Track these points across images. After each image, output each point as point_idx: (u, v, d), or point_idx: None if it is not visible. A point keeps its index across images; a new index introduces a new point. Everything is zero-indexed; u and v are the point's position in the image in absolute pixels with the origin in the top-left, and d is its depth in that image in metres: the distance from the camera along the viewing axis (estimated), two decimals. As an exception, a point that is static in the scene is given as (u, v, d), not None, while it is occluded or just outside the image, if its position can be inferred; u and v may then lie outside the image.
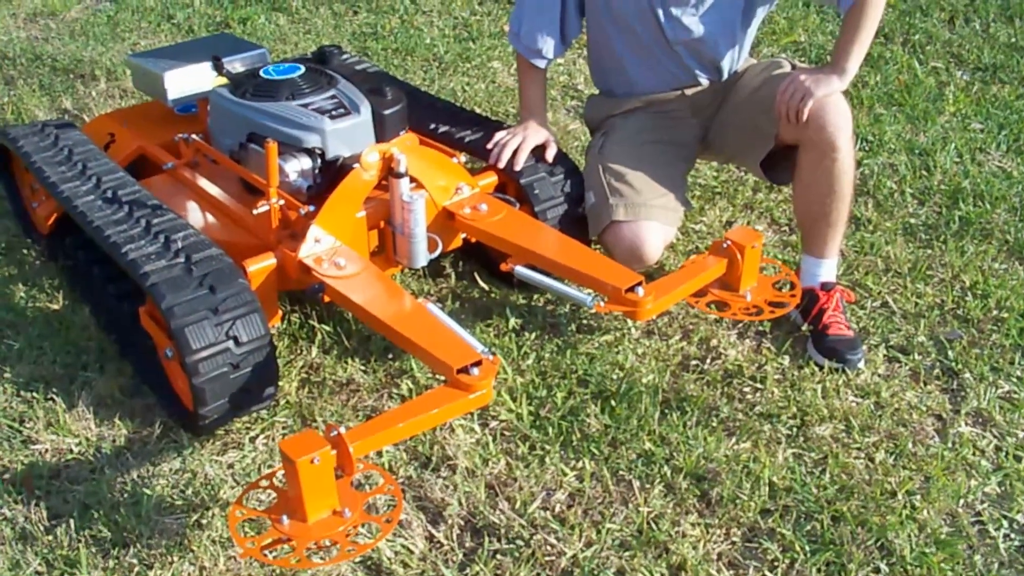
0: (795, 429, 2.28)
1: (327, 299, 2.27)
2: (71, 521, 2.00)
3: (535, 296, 2.71)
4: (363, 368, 2.45)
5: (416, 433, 2.17)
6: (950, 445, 2.24)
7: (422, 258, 2.40)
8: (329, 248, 2.30)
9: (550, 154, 2.66)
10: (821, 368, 2.45)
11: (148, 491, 2.07)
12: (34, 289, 2.73)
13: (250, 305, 2.13)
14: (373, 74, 2.78)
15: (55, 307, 2.65)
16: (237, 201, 2.53)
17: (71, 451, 2.20)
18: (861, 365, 2.46)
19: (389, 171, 2.33)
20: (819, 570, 1.93)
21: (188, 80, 2.81)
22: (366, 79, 2.68)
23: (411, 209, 2.32)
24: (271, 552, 1.79)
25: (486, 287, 2.76)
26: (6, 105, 3.84)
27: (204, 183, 2.63)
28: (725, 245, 2.43)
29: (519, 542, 1.99)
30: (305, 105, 2.47)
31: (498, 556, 1.96)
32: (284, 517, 1.79)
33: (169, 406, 2.30)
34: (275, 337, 2.52)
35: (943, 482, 2.12)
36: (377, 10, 4.97)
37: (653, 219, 2.51)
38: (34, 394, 2.33)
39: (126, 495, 2.07)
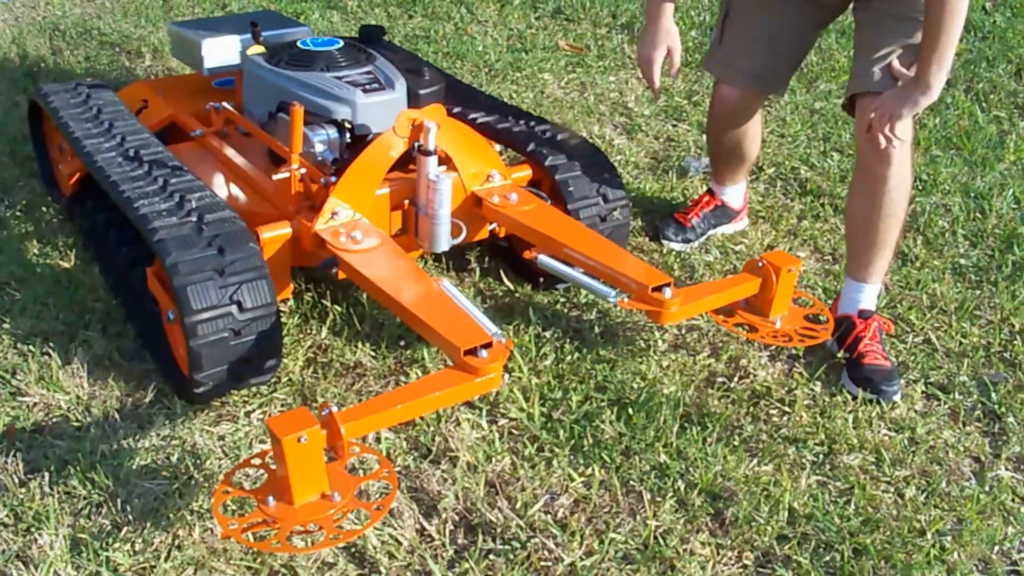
0: (821, 456, 2.13)
1: (341, 276, 2.17)
2: (46, 475, 1.90)
3: (560, 298, 2.60)
4: (373, 353, 2.34)
5: (414, 417, 2.06)
6: (987, 488, 2.08)
7: (444, 242, 2.30)
8: (347, 221, 2.20)
9: (676, 59, 2.59)
10: (855, 398, 2.30)
11: (131, 454, 1.97)
12: (48, 247, 2.67)
13: (258, 271, 2.04)
14: (413, 57, 2.71)
15: (66, 265, 2.58)
16: (262, 172, 2.45)
17: (60, 407, 2.10)
18: (897, 398, 2.31)
19: (418, 148, 2.23)
20: (836, 604, 1.78)
21: (226, 50, 2.75)
22: (405, 60, 2.61)
23: (436, 188, 2.22)
24: (253, 534, 1.68)
25: (511, 285, 2.65)
26: (49, 74, 3.81)
27: (230, 152, 2.56)
28: (760, 264, 2.30)
29: (515, 544, 1.86)
30: (339, 77, 2.40)
31: (491, 556, 1.83)
32: (270, 498, 1.68)
33: (168, 373, 2.20)
34: (285, 314, 2.43)
35: (977, 525, 1.96)
36: (432, 16, 4.92)
37: (738, 86, 2.60)
38: (30, 348, 2.25)
39: (108, 456, 1.97)
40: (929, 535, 1.93)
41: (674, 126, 3.83)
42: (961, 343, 2.55)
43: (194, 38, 2.76)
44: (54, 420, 2.07)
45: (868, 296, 2.45)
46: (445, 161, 2.36)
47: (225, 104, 2.63)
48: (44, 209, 2.86)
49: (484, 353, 1.81)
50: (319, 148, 2.31)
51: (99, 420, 2.07)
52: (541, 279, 2.60)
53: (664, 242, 2.92)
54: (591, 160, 2.58)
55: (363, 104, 2.32)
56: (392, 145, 2.21)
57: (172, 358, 2.18)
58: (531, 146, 2.57)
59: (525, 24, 4.88)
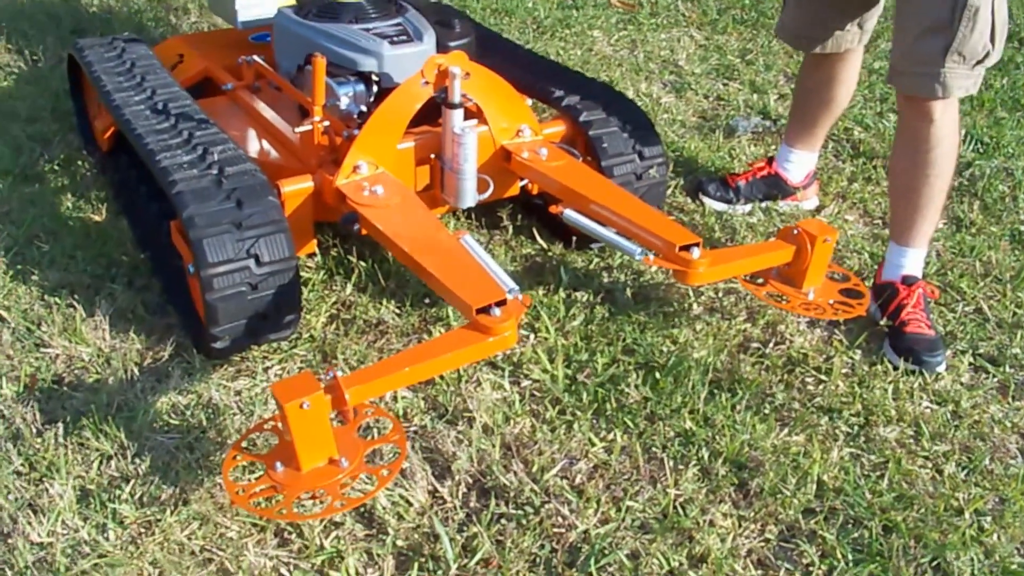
0: (856, 428, 2.03)
1: (364, 231, 2.12)
2: (61, 426, 1.90)
3: (595, 258, 2.52)
4: (397, 311, 2.30)
5: (423, 379, 2.00)
6: (1035, 467, 1.97)
7: (469, 197, 2.24)
8: (369, 176, 2.15)
9: None
10: (895, 368, 2.20)
11: (146, 407, 1.95)
12: (81, 201, 2.67)
13: (277, 224, 2.00)
14: (447, 9, 2.63)
15: (97, 219, 2.58)
16: (290, 126, 2.40)
17: (81, 359, 2.10)
18: (941, 369, 2.19)
19: (443, 100, 2.17)
20: (861, 582, 1.70)
21: (261, 3, 2.71)
22: (437, 12, 2.54)
23: (461, 142, 2.15)
24: (260, 500, 1.65)
25: (544, 244, 2.58)
26: (95, 31, 3.82)
27: (260, 106, 2.52)
28: (795, 232, 2.20)
29: (528, 508, 1.80)
30: (367, 29, 2.34)
31: (502, 520, 1.78)
32: (279, 464, 1.65)
33: (188, 327, 2.19)
34: (311, 269, 2.39)
35: (1021, 506, 1.86)
36: (483, -28, 4.83)
37: (802, 47, 2.58)
38: (56, 300, 2.25)
39: (123, 408, 1.96)
40: (967, 515, 1.83)
41: (725, 85, 3.70)
42: (1015, 313, 2.42)
43: (228, -11, 2.72)
44: (75, 372, 2.07)
45: (912, 261, 2.32)
46: (476, 114, 2.30)
47: (256, 57, 2.59)
48: (80, 163, 2.86)
49: (497, 311, 1.74)
50: (344, 101, 2.26)
51: (117, 373, 2.06)
52: (574, 238, 2.52)
53: (703, 198, 2.81)
54: (627, 116, 2.49)
55: (390, 56, 2.26)
56: (413, 94, 2.14)
57: (194, 312, 2.16)
58: (566, 101, 2.49)
59: (578, -20, 4.76)
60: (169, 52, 2.93)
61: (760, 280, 2.29)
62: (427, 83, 2.13)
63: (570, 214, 2.19)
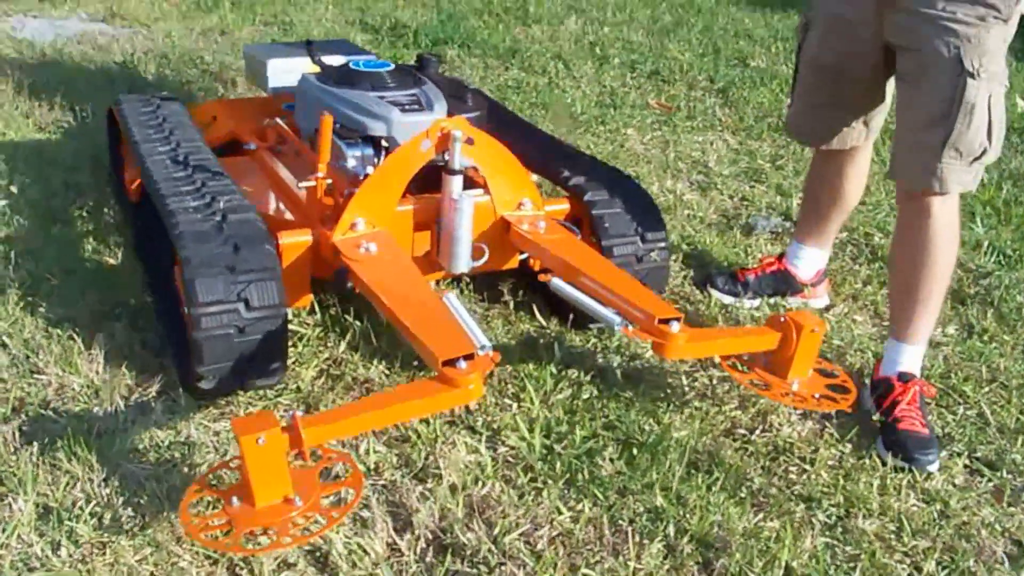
0: (835, 518, 1.98)
1: (354, 287, 2.16)
2: (37, 447, 1.93)
3: (592, 338, 2.52)
4: (386, 371, 2.31)
5: (382, 426, 2.00)
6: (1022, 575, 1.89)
7: (463, 263, 2.27)
8: (366, 233, 2.20)
9: None
10: (884, 464, 2.14)
11: (123, 437, 1.98)
12: (100, 244, 2.76)
13: (269, 272, 2.05)
14: (464, 84, 2.72)
15: (112, 262, 2.67)
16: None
17: (72, 388, 2.15)
18: (933, 468, 2.13)
19: (444, 167, 2.23)
20: (817, 672, 1.63)
21: (291, 71, 2.83)
22: (455, 86, 2.62)
23: (458, 208, 2.20)
24: (211, 534, 1.66)
25: (543, 321, 2.59)
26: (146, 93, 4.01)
27: (276, 164, 2.61)
28: (782, 320, 2.19)
29: (482, 568, 1.77)
30: (382, 96, 2.42)
31: (456, 577, 1.75)
32: (235, 499, 1.67)
33: (181, 367, 2.23)
34: (307, 327, 2.43)
35: (999, 611, 1.78)
36: (528, 69, 4.99)
37: (807, 143, 2.68)
38: (58, 331, 2.31)
39: (103, 435, 1.99)
40: (940, 613, 1.76)
41: (751, 187, 3.73)
42: (1019, 419, 2.35)
43: (261, 58, 2.85)
44: (63, 399, 2.11)
45: (909, 358, 2.29)
46: (482, 186, 2.35)
47: (278, 120, 2.69)
48: (106, 211, 2.97)
49: (464, 364, 1.75)
50: (352, 163, 2.33)
51: (104, 404, 2.10)
52: (571, 315, 2.53)
53: (710, 290, 2.81)
54: (632, 198, 2.52)
55: (398, 121, 2.34)
56: (413, 155, 2.20)
57: (186, 354, 2.21)
58: (572, 180, 2.54)
59: (619, 83, 4.89)
60: (204, 114, 3.06)
61: (744, 369, 2.28)
62: (429, 145, 2.19)
63: (556, 282, 2.21)
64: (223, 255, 2.04)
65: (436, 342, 1.80)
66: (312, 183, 2.24)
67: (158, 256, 2.53)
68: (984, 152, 2.11)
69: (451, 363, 1.76)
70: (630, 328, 2.03)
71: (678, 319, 1.99)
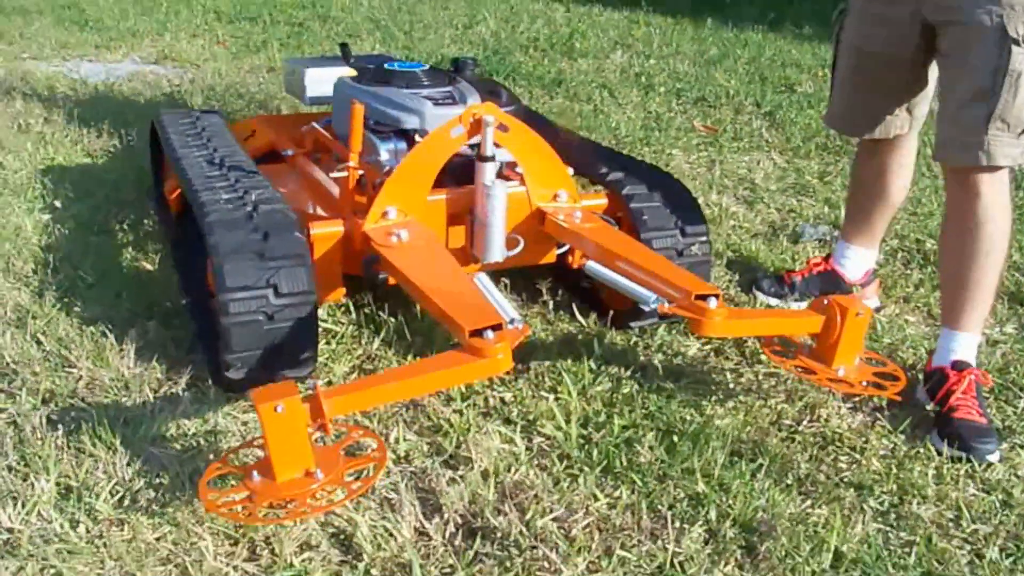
0: (887, 505, 1.87)
1: (392, 281, 2.12)
2: (61, 429, 1.91)
3: (633, 337, 2.45)
4: (419, 366, 2.26)
5: (407, 397, 1.94)
6: (1093, 564, 1.76)
7: (497, 251, 2.22)
8: (398, 221, 2.17)
9: None
10: (940, 454, 2.03)
11: (149, 423, 1.95)
12: (138, 253, 2.78)
13: (299, 258, 2.02)
14: (497, 84, 2.70)
15: (148, 267, 2.67)
16: (336, 184, 2.47)
17: (102, 382, 2.13)
18: (993, 459, 2.01)
19: (477, 156, 2.20)
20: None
21: (329, 80, 2.83)
22: (489, 85, 2.61)
23: (490, 195, 2.16)
24: (230, 508, 1.62)
25: (582, 322, 2.52)
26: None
27: (313, 168, 2.61)
28: (826, 303, 2.10)
29: (513, 550, 1.69)
30: (415, 93, 2.41)
31: (483, 560, 1.67)
32: (255, 473, 1.62)
33: (212, 363, 2.20)
34: (342, 325, 2.39)
35: (1070, 597, 1.65)
36: (574, 97, 4.98)
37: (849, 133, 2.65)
38: (92, 329, 2.31)
39: (128, 423, 1.97)
40: (1005, 599, 1.64)
41: (799, 200, 3.65)
42: (1086, 415, 2.22)
43: (300, 68, 2.87)
44: (93, 391, 2.10)
45: (963, 346, 2.18)
46: (517, 176, 2.32)
47: (314, 124, 2.69)
48: (146, 222, 2.99)
49: (491, 335, 1.70)
50: (384, 156, 2.32)
51: (133, 395, 2.07)
52: (611, 313, 2.47)
53: (756, 292, 2.73)
54: (672, 193, 2.47)
55: (431, 115, 2.32)
56: (443, 142, 2.17)
57: (217, 348, 2.18)
58: (610, 176, 2.49)
59: (665, 108, 4.85)
60: (244, 128, 3.08)
61: (788, 356, 2.19)
62: (461, 131, 2.16)
63: (592, 265, 2.15)
64: (252, 242, 2.03)
65: (463, 314, 1.75)
66: (344, 174, 2.22)
67: (193, 259, 2.53)
68: None
69: (478, 334, 1.71)
70: (666, 305, 1.96)
71: (716, 296, 1.92)
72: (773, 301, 2.73)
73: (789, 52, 6.32)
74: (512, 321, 1.77)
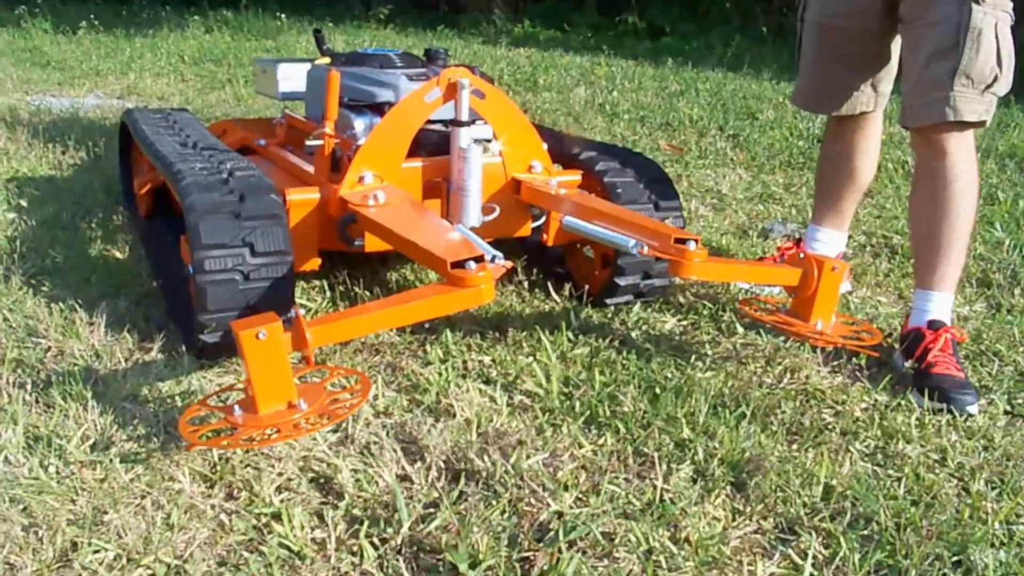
0: (873, 447, 1.86)
1: (368, 247, 2.11)
2: (30, 386, 1.85)
3: (610, 313, 2.44)
4: (397, 335, 2.23)
5: (390, 327, 1.91)
6: (1079, 495, 1.75)
7: (473, 216, 2.22)
8: (373, 185, 2.16)
9: None
10: (921, 406, 2.03)
11: (122, 382, 1.90)
12: (107, 244, 2.73)
13: (275, 218, 2.00)
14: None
15: (119, 255, 2.63)
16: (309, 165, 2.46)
17: (72, 353, 2.07)
18: (972, 410, 2.01)
19: (453, 121, 2.20)
20: (868, 571, 1.49)
21: (301, 76, 2.84)
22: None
23: (465, 158, 2.16)
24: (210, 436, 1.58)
25: (558, 300, 2.51)
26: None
27: (288, 154, 2.60)
28: (801, 256, 2.12)
29: (499, 488, 1.66)
30: (391, 72, 2.42)
31: (468, 498, 1.63)
32: (237, 407, 1.59)
33: (183, 329, 2.16)
34: (315, 302, 2.36)
35: (1059, 521, 1.64)
36: (540, 123, 5.01)
37: (815, 110, 2.70)
38: (60, 305, 2.26)
39: (98, 383, 1.91)
40: (996, 523, 1.62)
41: (765, 207, 3.69)
42: (1060, 375, 2.24)
43: (271, 66, 2.88)
44: (64, 360, 2.04)
45: (938, 305, 2.20)
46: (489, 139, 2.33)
47: (287, 111, 2.69)
48: (114, 218, 2.95)
49: (473, 265, 1.68)
50: (359, 128, 2.31)
51: (104, 362, 2.02)
52: (586, 289, 2.46)
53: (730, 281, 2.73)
54: (645, 169, 2.49)
55: (406, 88, 2.33)
56: (416, 107, 2.17)
57: (190, 316, 2.14)
58: (584, 155, 2.51)
59: (630, 131, 4.92)
60: (215, 129, 3.07)
61: (766, 313, 2.19)
62: (437, 95, 2.16)
63: (570, 220, 2.15)
64: (228, 203, 2.00)
65: (445, 248, 1.74)
66: (319, 142, 2.22)
67: (164, 244, 2.50)
68: (996, 79, 2.07)
69: (460, 266, 1.69)
70: (645, 249, 1.96)
71: (696, 240, 1.92)
72: (745, 285, 2.73)
73: (750, 87, 6.47)
74: (494, 258, 1.75)
